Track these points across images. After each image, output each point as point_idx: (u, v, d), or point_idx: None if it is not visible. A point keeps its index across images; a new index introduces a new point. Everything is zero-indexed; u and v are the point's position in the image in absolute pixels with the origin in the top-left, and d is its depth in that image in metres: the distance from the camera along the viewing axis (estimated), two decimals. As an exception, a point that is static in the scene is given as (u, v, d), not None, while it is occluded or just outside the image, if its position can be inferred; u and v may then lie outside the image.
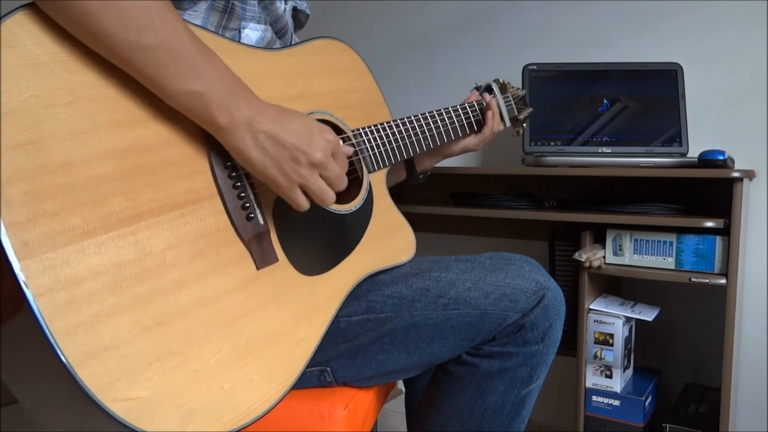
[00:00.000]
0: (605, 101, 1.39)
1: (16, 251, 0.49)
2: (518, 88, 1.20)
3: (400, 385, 1.13)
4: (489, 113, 1.06)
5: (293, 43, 0.90)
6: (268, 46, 0.83)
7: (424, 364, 0.85)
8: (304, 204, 0.69)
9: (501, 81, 1.15)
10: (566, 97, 1.41)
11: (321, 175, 0.68)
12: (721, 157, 1.14)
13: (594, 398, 1.30)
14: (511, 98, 1.15)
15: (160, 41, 0.58)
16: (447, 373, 0.85)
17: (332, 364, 0.84)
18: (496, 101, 1.09)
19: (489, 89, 1.12)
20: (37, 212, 0.51)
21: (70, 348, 0.50)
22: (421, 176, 1.09)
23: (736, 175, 1.13)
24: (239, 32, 0.79)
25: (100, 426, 0.53)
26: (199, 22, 0.75)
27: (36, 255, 0.50)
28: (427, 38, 1.76)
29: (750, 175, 1.19)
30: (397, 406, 1.66)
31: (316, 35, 0.87)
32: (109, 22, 0.55)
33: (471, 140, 1.07)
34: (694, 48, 1.41)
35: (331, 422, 0.79)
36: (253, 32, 0.80)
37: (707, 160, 1.16)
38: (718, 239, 1.17)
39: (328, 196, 0.70)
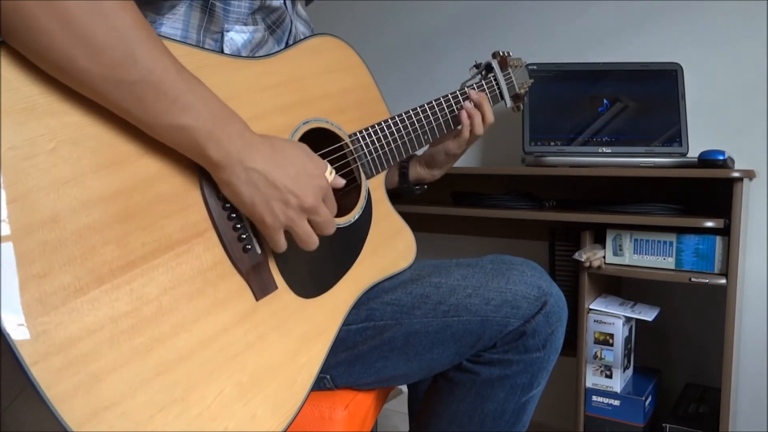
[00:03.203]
0: (605, 101, 1.39)
1: (6, 321, 0.47)
2: (518, 59, 1.10)
3: (403, 385, 1.13)
4: (463, 113, 0.94)
5: (294, 29, 0.87)
6: (257, 48, 0.80)
7: (424, 371, 0.84)
8: (282, 246, 0.66)
9: (501, 54, 1.05)
10: (566, 97, 1.40)
11: (309, 220, 0.67)
12: (721, 157, 1.14)
13: (594, 398, 1.30)
14: (511, 73, 1.06)
15: (139, 75, 0.54)
16: (447, 379, 0.85)
17: (332, 371, 0.83)
18: (494, 78, 1.01)
19: (489, 68, 1.04)
20: (25, 276, 0.48)
21: (71, 413, 0.48)
22: (417, 188, 1.04)
23: (736, 175, 1.13)
24: (222, 35, 0.76)
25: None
26: (179, 25, 0.72)
27: (27, 321, 0.48)
28: (428, 38, 1.76)
29: (750, 175, 1.19)
30: (397, 406, 1.66)
31: (314, 33, 0.86)
32: (79, 56, 0.51)
33: (450, 144, 0.97)
34: (694, 48, 1.41)
35: (331, 423, 0.79)
36: (238, 35, 0.77)
37: (707, 160, 1.15)
38: (718, 239, 1.17)
39: (311, 241, 0.67)
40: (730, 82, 1.38)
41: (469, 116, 0.94)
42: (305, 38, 0.82)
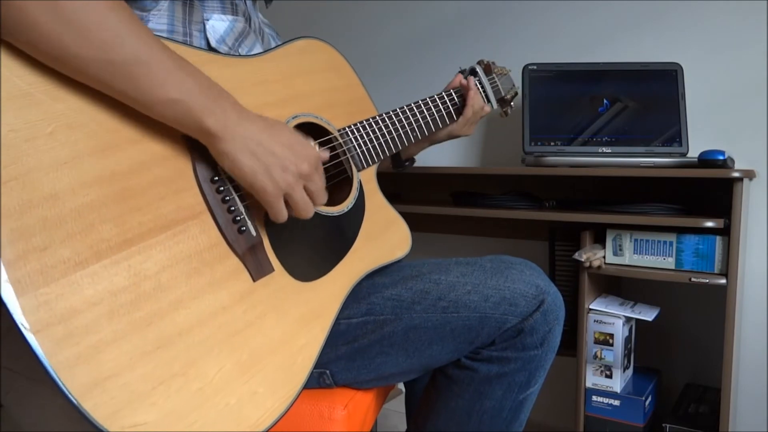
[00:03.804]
0: (605, 101, 1.39)
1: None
2: (503, 68, 1.18)
3: (400, 384, 1.13)
4: (470, 93, 1.05)
5: (255, 26, 0.89)
6: (240, 38, 0.82)
7: (423, 367, 0.85)
8: (284, 215, 0.68)
9: (485, 62, 1.14)
10: (566, 97, 1.40)
11: (305, 187, 0.69)
12: (721, 157, 1.14)
13: (594, 398, 1.30)
14: (496, 79, 1.14)
15: (128, 55, 0.56)
16: (446, 376, 0.85)
17: (331, 366, 0.84)
18: (478, 81, 1.09)
19: (473, 72, 1.11)
20: (26, 248, 0.50)
21: (72, 381, 0.50)
22: (407, 163, 1.10)
23: (736, 175, 1.13)
24: (203, 25, 0.78)
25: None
26: (165, 21, 0.74)
27: (29, 292, 0.49)
28: (428, 38, 1.76)
29: (750, 175, 1.19)
30: (397, 405, 1.66)
31: (315, 35, 0.87)
32: (69, 44, 0.54)
33: (455, 125, 1.07)
34: (694, 48, 1.41)
35: (330, 422, 0.79)
36: (219, 23, 0.79)
37: (707, 160, 1.15)
38: (718, 239, 1.17)
39: (309, 209, 0.70)
40: (730, 82, 1.38)
41: (473, 94, 1.06)
42: (291, 40, 0.85)
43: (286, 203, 0.69)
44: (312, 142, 0.72)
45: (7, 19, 0.52)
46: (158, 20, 0.74)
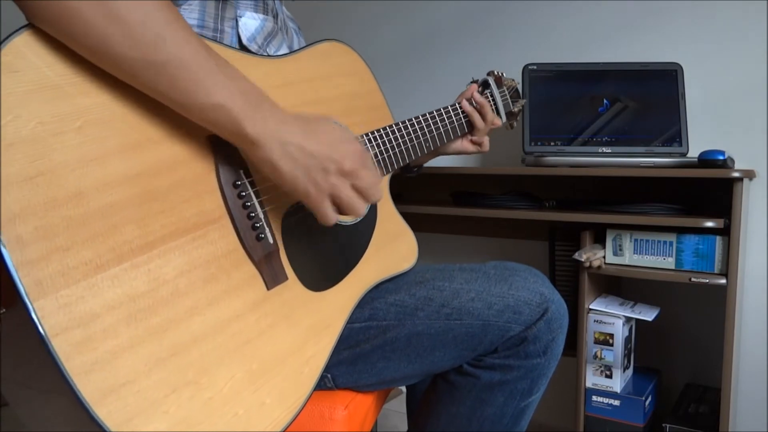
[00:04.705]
0: (605, 101, 1.39)
1: (29, 291, 0.47)
2: (512, 79, 1.18)
3: (400, 385, 1.13)
4: (476, 116, 1.02)
5: (281, 23, 0.89)
6: (269, 38, 0.82)
7: (425, 373, 0.84)
8: (332, 217, 0.66)
9: (496, 73, 1.13)
10: (566, 97, 1.40)
11: (353, 185, 0.66)
12: (721, 157, 1.14)
13: (594, 398, 1.30)
14: (506, 91, 1.13)
15: (170, 56, 0.55)
16: (447, 381, 0.85)
17: (333, 370, 0.83)
18: (490, 94, 1.07)
19: (485, 84, 1.09)
20: (49, 248, 0.49)
21: (88, 387, 0.49)
22: (415, 170, 1.09)
23: (736, 175, 1.13)
24: (236, 21, 0.77)
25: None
26: (196, 15, 0.74)
27: (50, 294, 0.48)
28: (428, 39, 1.76)
29: (750, 175, 1.19)
30: (397, 406, 1.66)
31: (323, 36, 0.87)
32: (114, 41, 0.52)
33: (469, 146, 1.06)
34: (694, 48, 1.41)
35: (331, 422, 0.79)
36: (251, 21, 0.78)
37: (707, 160, 1.15)
38: (718, 239, 1.17)
39: (358, 206, 0.67)
40: (730, 82, 1.38)
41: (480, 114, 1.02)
42: (315, 42, 0.85)
43: (336, 204, 0.66)
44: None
45: (52, 8, 0.51)
46: (189, 15, 0.73)
